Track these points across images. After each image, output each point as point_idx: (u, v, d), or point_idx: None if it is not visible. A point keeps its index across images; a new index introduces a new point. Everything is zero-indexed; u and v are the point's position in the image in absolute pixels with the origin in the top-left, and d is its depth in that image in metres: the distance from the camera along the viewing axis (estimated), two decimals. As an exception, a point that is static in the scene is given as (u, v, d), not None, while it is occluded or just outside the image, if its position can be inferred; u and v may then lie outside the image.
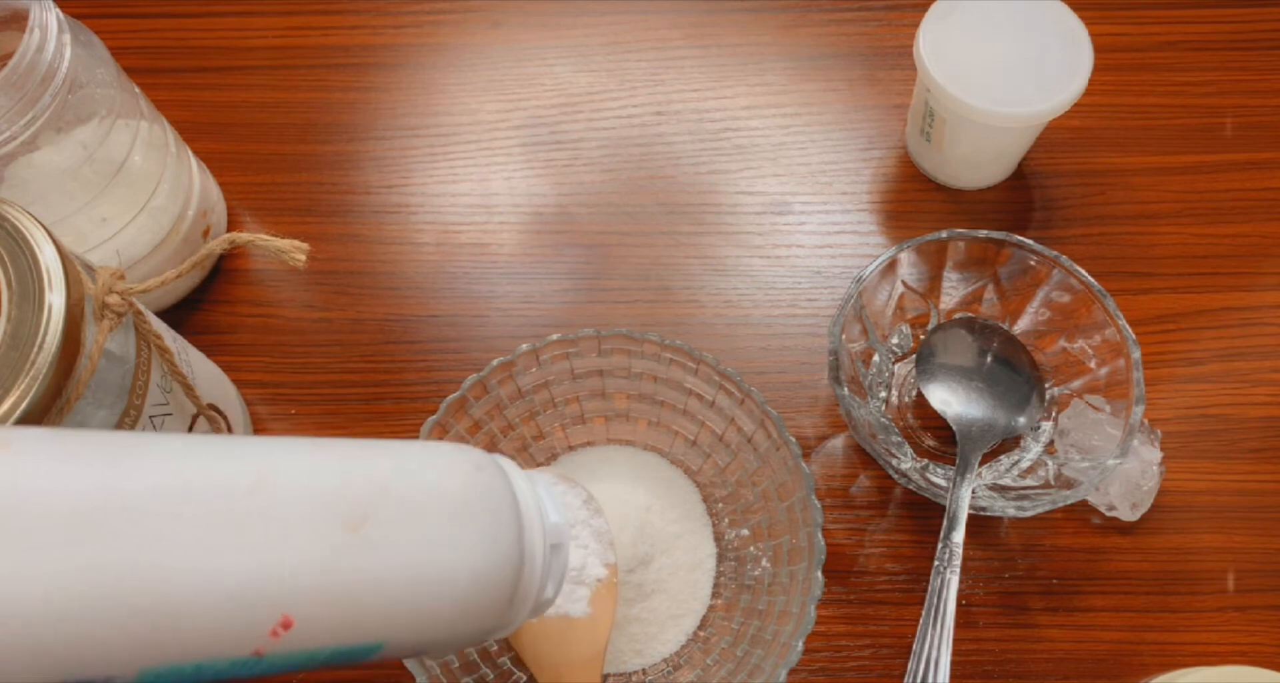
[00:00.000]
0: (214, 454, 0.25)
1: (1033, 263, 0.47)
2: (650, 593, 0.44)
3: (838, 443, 0.50)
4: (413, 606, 0.26)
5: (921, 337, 0.50)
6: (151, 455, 0.24)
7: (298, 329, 0.52)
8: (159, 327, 0.41)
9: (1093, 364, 0.47)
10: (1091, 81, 0.48)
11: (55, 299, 0.33)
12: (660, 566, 0.44)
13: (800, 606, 0.40)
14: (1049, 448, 0.47)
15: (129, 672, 0.22)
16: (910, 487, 0.44)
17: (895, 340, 0.50)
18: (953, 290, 0.50)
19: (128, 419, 0.37)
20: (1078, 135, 0.56)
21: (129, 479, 0.23)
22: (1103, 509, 0.47)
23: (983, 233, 0.47)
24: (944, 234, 0.47)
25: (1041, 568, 0.47)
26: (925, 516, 0.48)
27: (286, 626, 0.24)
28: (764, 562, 0.44)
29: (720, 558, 0.46)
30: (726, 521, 0.46)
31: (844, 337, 0.46)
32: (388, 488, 0.27)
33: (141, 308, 0.39)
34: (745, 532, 0.45)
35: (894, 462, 0.45)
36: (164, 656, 0.22)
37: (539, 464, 0.47)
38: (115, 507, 0.22)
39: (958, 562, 0.42)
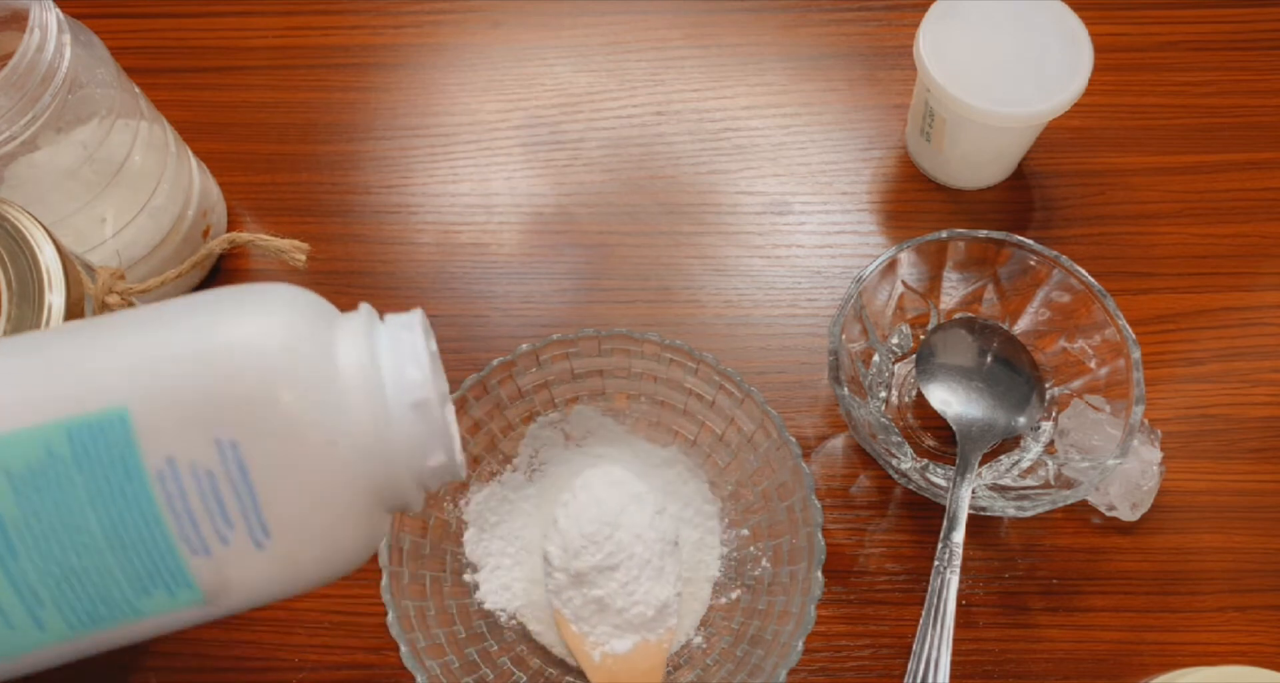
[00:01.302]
0: None
1: (1033, 263, 0.47)
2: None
3: (838, 443, 0.50)
4: (143, 359, 0.23)
5: (921, 337, 0.50)
6: None
7: (298, 329, 0.52)
8: (159, 326, 0.41)
9: (1093, 364, 0.47)
10: (1091, 81, 0.48)
11: (55, 299, 0.33)
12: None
13: (800, 606, 0.40)
14: (1049, 448, 0.47)
15: None
16: (910, 487, 0.44)
17: (895, 340, 0.50)
18: (953, 290, 0.50)
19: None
20: (1078, 135, 0.56)
21: None
22: (1103, 509, 0.47)
23: (983, 233, 0.47)
24: (944, 234, 0.47)
25: (1041, 568, 0.47)
26: (925, 516, 0.48)
27: None
28: (764, 562, 0.44)
29: (721, 558, 0.46)
30: (726, 521, 0.46)
31: (844, 337, 0.46)
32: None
33: (141, 308, 0.39)
34: (745, 532, 0.45)
35: (894, 462, 0.45)
36: None
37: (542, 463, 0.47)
38: None
39: (958, 562, 0.42)
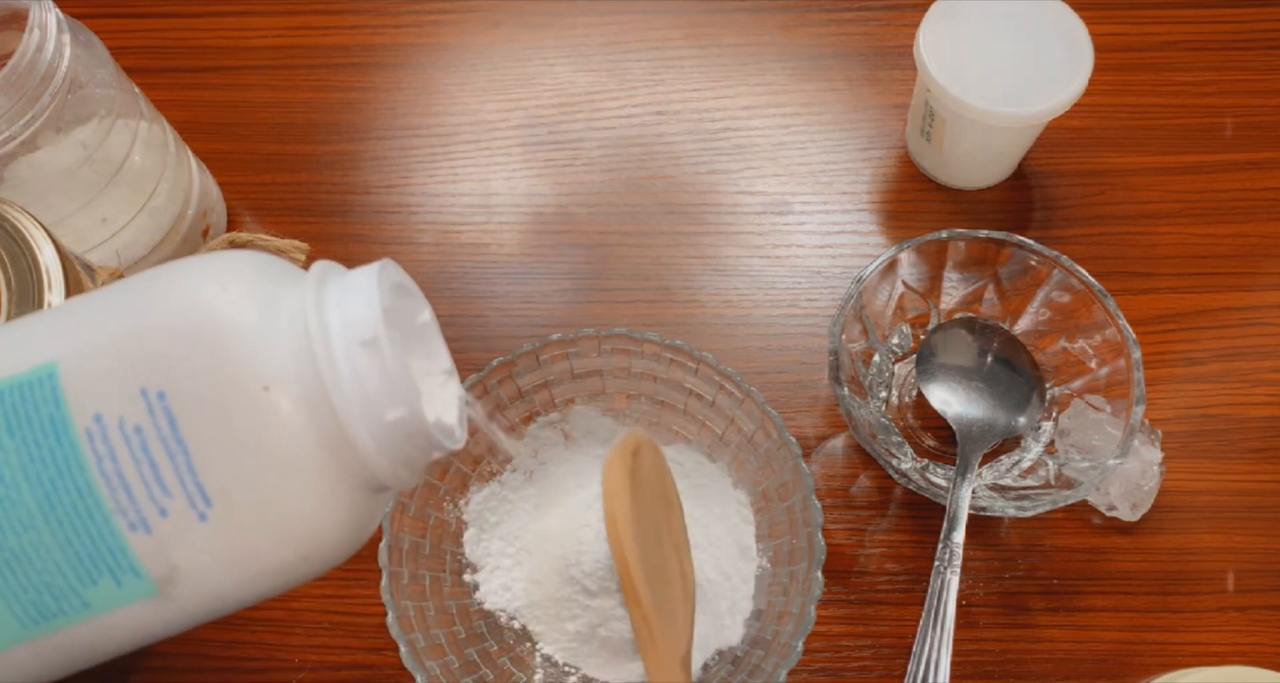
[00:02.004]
0: None
1: (1033, 263, 0.47)
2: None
3: (838, 443, 0.50)
4: (68, 316, 0.21)
5: (922, 337, 0.50)
6: None
7: (298, 329, 0.52)
8: (158, 326, 0.41)
9: (1093, 364, 0.47)
10: (1092, 81, 0.48)
11: (55, 299, 0.33)
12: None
13: (800, 606, 0.40)
14: (1049, 448, 0.47)
15: None
16: (910, 487, 0.44)
17: (895, 340, 0.50)
18: (953, 290, 0.50)
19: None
20: (1078, 135, 0.56)
21: None
22: (1103, 509, 0.47)
23: (983, 233, 0.47)
24: (944, 234, 0.47)
25: (1042, 568, 0.47)
26: (925, 516, 0.48)
27: None
28: (764, 562, 0.44)
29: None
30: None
31: (844, 337, 0.46)
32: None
33: (141, 308, 0.39)
34: (745, 532, 0.45)
35: (894, 462, 0.45)
36: None
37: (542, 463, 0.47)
38: None
39: (958, 562, 0.42)
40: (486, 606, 0.44)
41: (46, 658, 0.22)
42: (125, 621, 0.22)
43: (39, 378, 0.20)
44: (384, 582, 0.40)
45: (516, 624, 0.44)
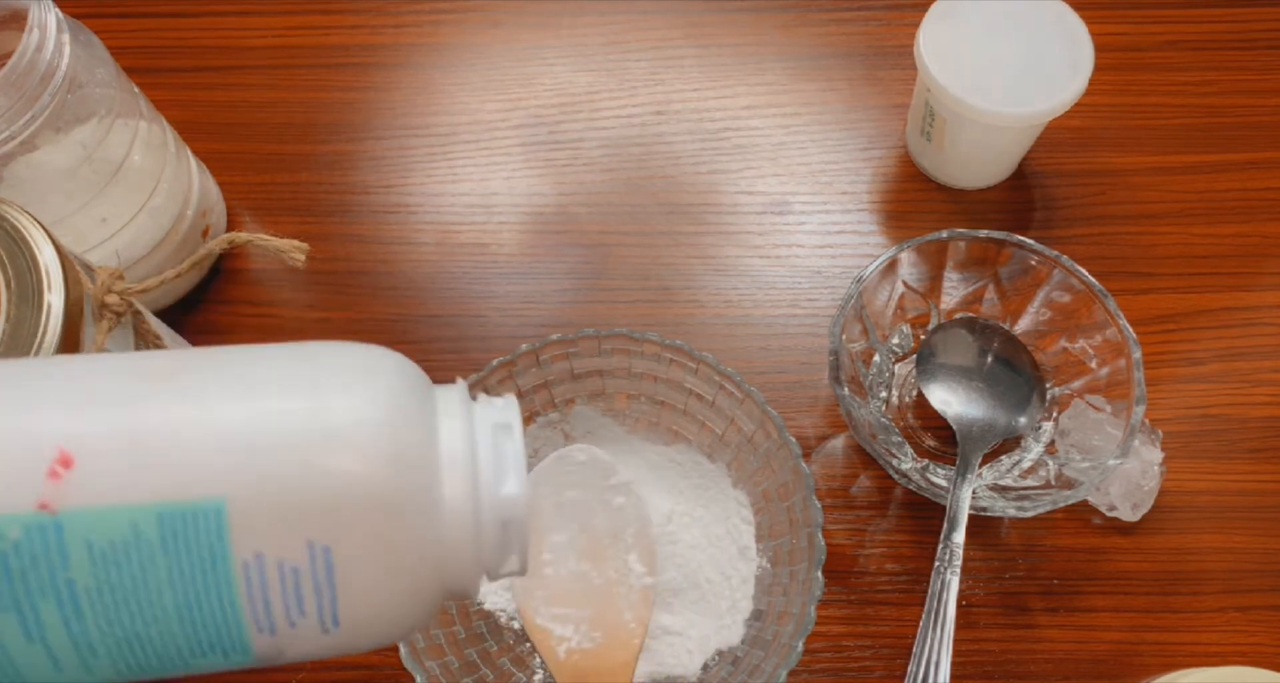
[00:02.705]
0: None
1: (1033, 263, 0.47)
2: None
3: (838, 443, 0.50)
4: (244, 452, 0.22)
5: (922, 337, 0.50)
6: None
7: (297, 329, 0.52)
8: (158, 327, 0.41)
9: (1093, 364, 0.47)
10: (1092, 81, 0.48)
11: (54, 299, 0.33)
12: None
13: (800, 606, 0.40)
14: (1050, 448, 0.47)
15: None
16: (910, 487, 0.44)
17: (896, 340, 0.50)
18: (953, 290, 0.50)
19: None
20: (1078, 135, 0.56)
21: None
22: (1103, 510, 0.47)
23: (983, 233, 0.47)
24: (944, 234, 0.47)
25: (1042, 568, 0.47)
26: (925, 516, 0.48)
27: (66, 463, 0.20)
28: (764, 562, 0.44)
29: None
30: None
31: (844, 337, 0.46)
32: (214, 355, 0.23)
33: (140, 308, 0.39)
34: (745, 532, 0.45)
35: (894, 462, 0.45)
36: None
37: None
38: None
39: (958, 562, 0.42)
40: (486, 606, 0.44)
41: (114, 673, 0.23)
42: (207, 671, 0.24)
43: (205, 511, 0.21)
44: (384, 582, 0.40)
45: (516, 624, 0.44)
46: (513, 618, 0.44)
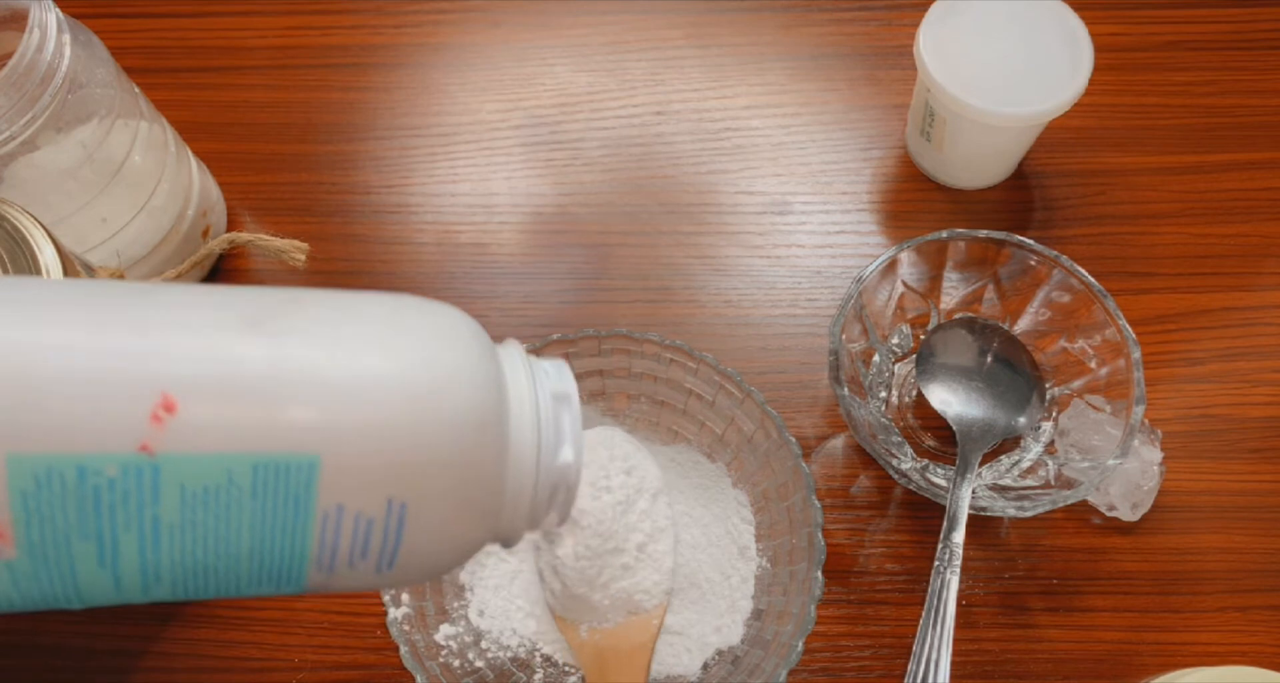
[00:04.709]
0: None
1: (1033, 263, 0.47)
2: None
3: (838, 443, 0.50)
4: (342, 411, 0.22)
5: (922, 337, 0.50)
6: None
7: (298, 329, 0.52)
8: (159, 327, 0.41)
9: (1093, 364, 0.47)
10: (1092, 81, 0.48)
11: (55, 299, 0.33)
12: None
13: (800, 606, 0.40)
14: (1049, 448, 0.47)
15: None
16: (910, 487, 0.44)
17: (895, 340, 0.50)
18: (953, 290, 0.50)
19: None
20: (1078, 135, 0.56)
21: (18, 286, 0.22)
22: (1103, 509, 0.47)
23: (983, 233, 0.47)
24: (944, 234, 0.47)
25: (1042, 568, 0.47)
26: (925, 516, 0.48)
27: (169, 408, 0.21)
28: (764, 562, 0.44)
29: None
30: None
31: (844, 337, 0.46)
32: (301, 298, 0.24)
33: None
34: (745, 532, 0.45)
35: (894, 462, 0.45)
36: (30, 438, 0.20)
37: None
38: None
39: (958, 562, 0.42)
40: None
41: (169, 595, 0.24)
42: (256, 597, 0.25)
43: (300, 464, 0.22)
44: (384, 582, 0.40)
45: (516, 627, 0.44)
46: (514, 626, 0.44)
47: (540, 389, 0.26)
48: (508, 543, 0.26)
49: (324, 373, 0.22)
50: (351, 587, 0.25)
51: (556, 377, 0.27)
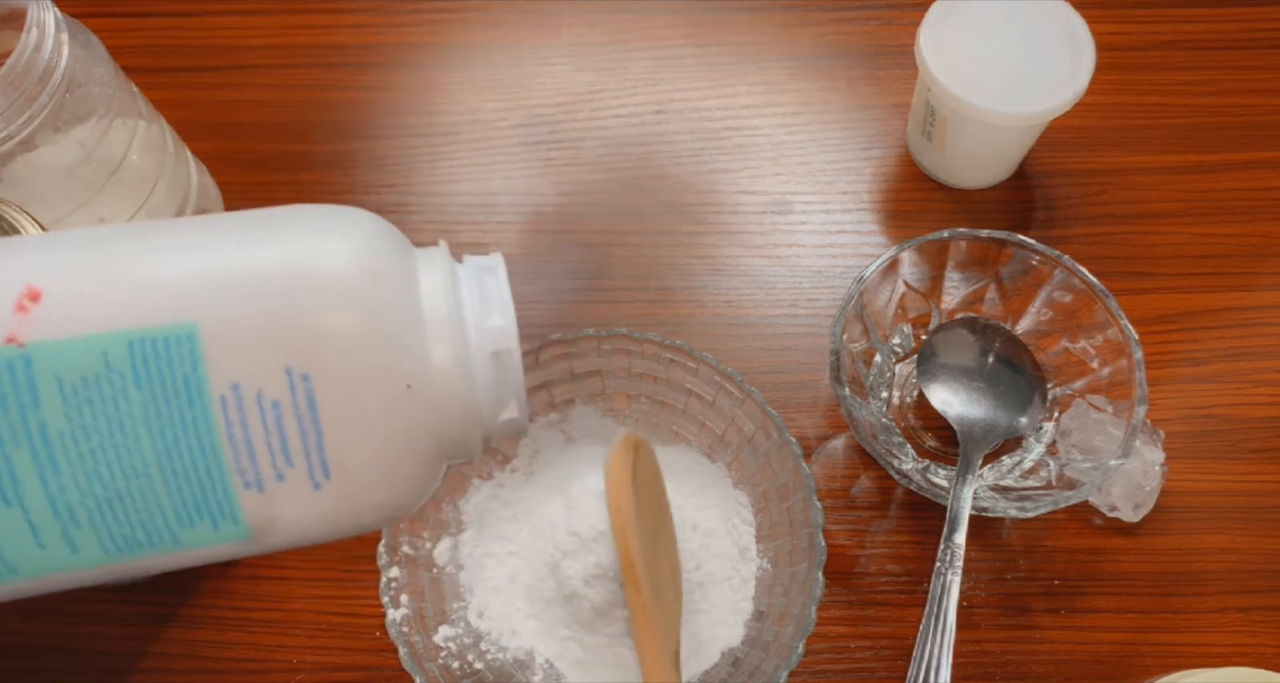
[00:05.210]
0: None
1: (1034, 262, 0.47)
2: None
3: (838, 443, 0.50)
4: (214, 274, 0.21)
5: (923, 337, 0.50)
6: None
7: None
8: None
9: (1095, 364, 0.46)
10: (1093, 81, 0.48)
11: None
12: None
13: (801, 607, 0.40)
14: (1051, 448, 0.47)
15: None
16: (911, 487, 0.44)
17: (896, 340, 0.50)
18: (954, 290, 0.49)
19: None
20: (1079, 135, 0.56)
21: None
22: (1105, 510, 0.47)
23: (984, 232, 0.47)
24: (945, 234, 0.47)
25: (1043, 569, 0.47)
26: (926, 516, 0.48)
27: (33, 297, 0.20)
28: (764, 563, 0.44)
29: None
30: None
31: (845, 337, 0.46)
32: (194, 217, 0.23)
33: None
34: (746, 533, 0.45)
35: (895, 462, 0.44)
36: None
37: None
38: None
39: (959, 563, 0.42)
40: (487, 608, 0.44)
41: (118, 572, 0.22)
42: (205, 553, 0.23)
43: (177, 337, 0.20)
44: (383, 582, 0.40)
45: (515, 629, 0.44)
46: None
47: (463, 269, 0.24)
48: (467, 452, 0.24)
49: (198, 249, 0.21)
50: (303, 524, 0.23)
51: (485, 259, 0.25)
